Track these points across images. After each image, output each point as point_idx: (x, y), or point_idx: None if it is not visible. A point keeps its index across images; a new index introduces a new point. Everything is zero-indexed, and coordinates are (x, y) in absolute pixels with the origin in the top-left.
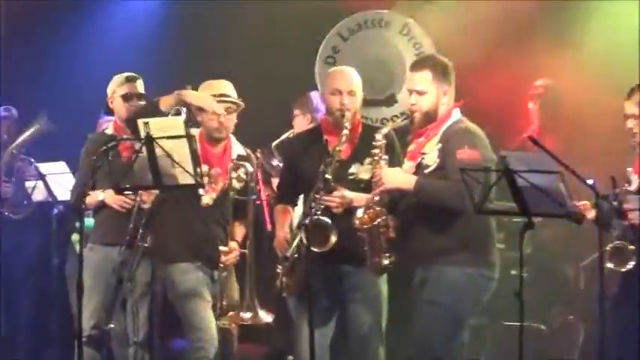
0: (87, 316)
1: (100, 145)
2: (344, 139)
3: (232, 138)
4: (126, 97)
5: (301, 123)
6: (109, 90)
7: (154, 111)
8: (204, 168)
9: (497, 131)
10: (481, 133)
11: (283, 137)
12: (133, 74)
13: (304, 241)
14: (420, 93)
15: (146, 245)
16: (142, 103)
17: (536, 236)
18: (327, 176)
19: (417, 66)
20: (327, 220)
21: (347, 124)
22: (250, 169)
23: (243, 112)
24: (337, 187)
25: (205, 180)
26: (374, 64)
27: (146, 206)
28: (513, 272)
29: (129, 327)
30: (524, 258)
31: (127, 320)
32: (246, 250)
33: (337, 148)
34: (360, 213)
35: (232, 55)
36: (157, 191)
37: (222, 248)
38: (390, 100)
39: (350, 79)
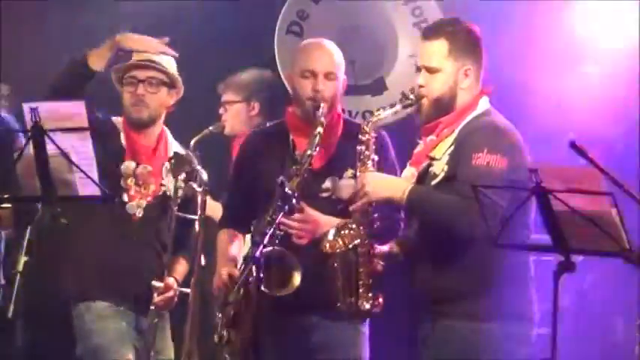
0: None
1: None
2: (317, 140)
3: (167, 131)
4: None
5: (239, 112)
6: None
7: (81, 74)
8: (130, 165)
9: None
10: (513, 133)
11: (206, 132)
12: None
13: (253, 279)
14: (431, 71)
15: None
16: None
17: (576, 281)
18: (287, 190)
19: (430, 33)
20: (286, 252)
21: (322, 120)
22: (204, 175)
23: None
24: (301, 207)
25: (130, 181)
26: (355, 36)
27: None
28: (543, 330)
29: None
30: (559, 311)
31: None
32: (188, 290)
33: (307, 153)
34: (331, 235)
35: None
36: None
37: (155, 284)
38: (378, 87)
39: (329, 56)
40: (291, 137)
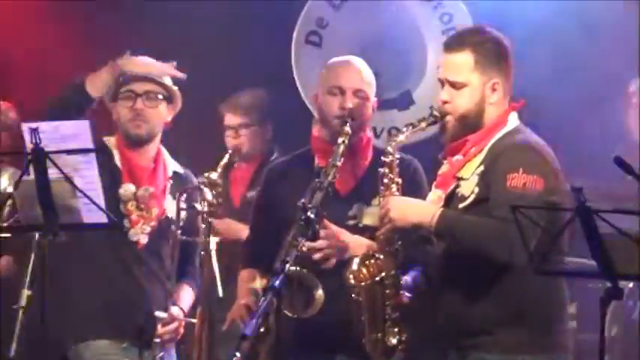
0: None
1: None
2: (341, 149)
3: (164, 150)
4: None
5: (257, 136)
6: None
7: (78, 99)
8: (130, 187)
9: (569, 151)
10: (548, 152)
11: (228, 157)
12: None
13: (273, 310)
14: (456, 86)
15: None
16: None
17: (626, 311)
18: (309, 215)
19: (453, 44)
20: (305, 272)
21: (347, 129)
22: (209, 195)
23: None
24: (325, 223)
25: (131, 206)
26: (380, 46)
27: None
28: None
29: None
30: (606, 343)
31: None
32: (195, 320)
33: (331, 164)
34: (355, 265)
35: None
36: None
37: (158, 315)
38: (404, 101)
39: (357, 73)
40: (316, 162)
